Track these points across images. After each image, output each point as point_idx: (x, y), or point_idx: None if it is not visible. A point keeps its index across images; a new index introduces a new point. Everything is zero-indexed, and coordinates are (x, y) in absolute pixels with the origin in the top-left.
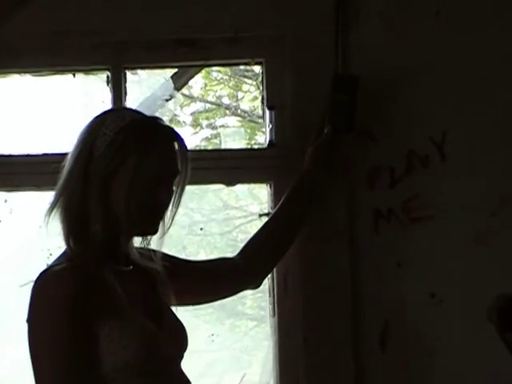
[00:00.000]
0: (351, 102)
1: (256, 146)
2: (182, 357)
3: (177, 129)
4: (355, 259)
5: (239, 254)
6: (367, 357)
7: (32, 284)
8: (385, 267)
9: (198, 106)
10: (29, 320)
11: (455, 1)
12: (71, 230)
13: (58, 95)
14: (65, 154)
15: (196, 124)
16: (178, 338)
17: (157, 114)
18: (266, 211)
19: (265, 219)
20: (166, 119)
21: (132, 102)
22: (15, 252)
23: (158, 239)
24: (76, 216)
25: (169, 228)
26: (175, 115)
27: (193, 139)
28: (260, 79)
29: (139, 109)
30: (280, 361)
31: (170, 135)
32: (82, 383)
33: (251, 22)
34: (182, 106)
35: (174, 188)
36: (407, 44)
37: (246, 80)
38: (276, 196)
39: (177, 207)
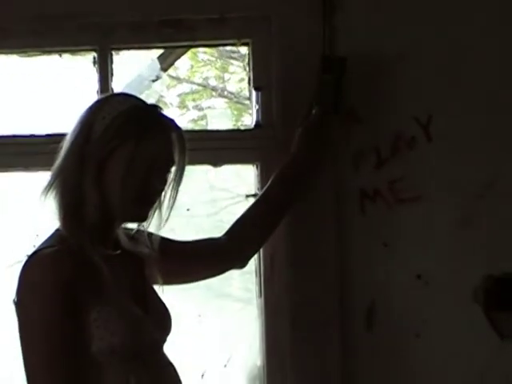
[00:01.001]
0: (339, 84)
1: (243, 128)
2: (165, 340)
3: (163, 110)
4: (342, 240)
5: (225, 234)
6: (354, 337)
7: (21, 265)
8: (371, 248)
9: (185, 87)
10: (17, 302)
11: None
12: (66, 211)
13: (44, 76)
14: (52, 136)
15: (182, 105)
16: (163, 322)
17: (143, 96)
18: (252, 192)
19: (252, 200)
20: (152, 100)
21: (118, 82)
22: (2, 233)
23: (156, 226)
24: (71, 197)
25: (167, 217)
26: (161, 96)
27: (179, 121)
28: (247, 61)
29: (126, 90)
30: (267, 342)
31: (168, 125)
32: (70, 367)
33: (237, 3)
34: (168, 88)
35: (170, 178)
36: (393, 24)
37: (232, 61)
38: (263, 177)
39: (174, 197)
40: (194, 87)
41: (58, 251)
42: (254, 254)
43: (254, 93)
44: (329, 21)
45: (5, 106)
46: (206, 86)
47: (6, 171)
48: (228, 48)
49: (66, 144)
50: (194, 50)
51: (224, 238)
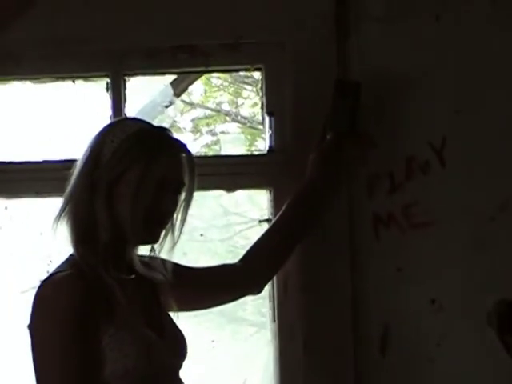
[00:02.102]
0: (353, 108)
1: (256, 153)
2: (181, 366)
3: (177, 135)
4: (355, 265)
5: (241, 260)
6: (367, 362)
7: (35, 290)
8: (385, 272)
9: (198, 112)
10: (31, 326)
11: (455, 6)
12: (78, 237)
13: (57, 102)
14: (65, 161)
15: (196, 130)
16: (178, 348)
17: (156, 121)
18: (266, 217)
19: (265, 225)
20: (165, 125)
21: (132, 108)
22: (15, 259)
23: (168, 250)
24: (83, 222)
25: (178, 240)
26: (175, 121)
27: (193, 145)
28: (260, 85)
29: (139, 115)
30: (280, 366)
31: (177, 147)
32: None
33: (251, 29)
34: (181, 113)
35: (180, 200)
36: (407, 49)
37: (245, 86)
38: (276, 202)
39: (184, 219)
40: (208, 112)
41: (71, 275)
42: (268, 281)
43: (267, 118)
44: (342, 46)
45: (18, 132)
46: (219, 111)
47: (19, 197)
48: (241, 73)
49: (76, 169)
50: (207, 75)
51: (239, 264)
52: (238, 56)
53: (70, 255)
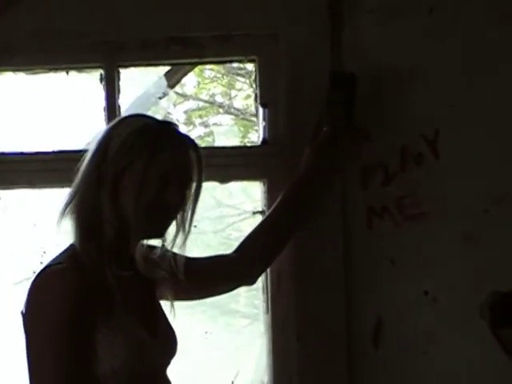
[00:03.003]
0: (348, 100)
1: (249, 144)
2: (169, 363)
3: (179, 127)
4: (349, 256)
5: (235, 251)
6: (360, 354)
7: (31, 280)
8: (378, 265)
9: (192, 104)
10: (25, 316)
11: None
12: (83, 230)
13: (51, 93)
14: (58, 152)
15: (189, 122)
16: (169, 346)
17: (150, 112)
18: (259, 209)
19: (259, 217)
20: (159, 117)
21: (125, 99)
22: (9, 250)
23: (180, 245)
24: (88, 216)
25: (188, 234)
26: (168, 113)
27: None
28: (253, 77)
29: (132, 107)
30: (273, 358)
31: (182, 140)
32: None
33: (244, 20)
34: (175, 104)
35: (189, 195)
36: (400, 41)
37: (239, 78)
38: (270, 194)
39: (192, 214)
40: (201, 104)
41: (68, 268)
42: (262, 272)
43: (260, 109)
44: (336, 37)
45: (11, 124)
46: (212, 103)
47: (12, 188)
48: (235, 65)
49: (84, 163)
50: (200, 66)
51: (233, 255)
52: (232, 47)
53: (71, 245)
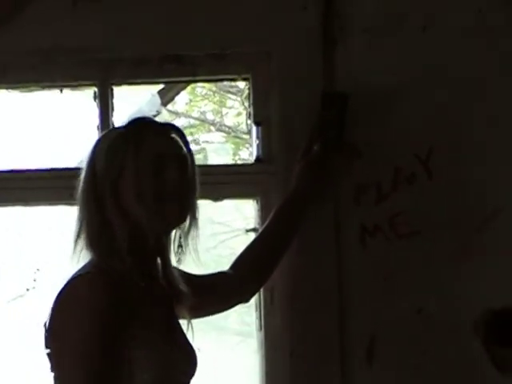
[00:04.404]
0: (340, 119)
1: (240, 162)
2: (191, 379)
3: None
4: (342, 274)
5: (231, 268)
6: (354, 371)
7: (59, 291)
8: (372, 282)
9: (183, 121)
10: (52, 329)
11: (441, 17)
12: (100, 249)
13: (45, 111)
14: (53, 170)
15: None
16: (190, 362)
17: None
18: (252, 227)
19: (252, 235)
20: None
21: (119, 117)
22: (2, 267)
23: (194, 236)
24: (101, 236)
25: (198, 215)
26: None
27: None
28: (244, 95)
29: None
30: (266, 375)
31: (162, 125)
32: None
33: (238, 39)
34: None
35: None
36: (393, 60)
37: (230, 96)
38: (262, 211)
39: (193, 195)
40: (192, 121)
41: (95, 276)
42: (257, 289)
43: (254, 127)
44: (328, 57)
45: (5, 141)
46: (203, 121)
47: (5, 205)
48: (226, 83)
49: (79, 191)
50: (192, 84)
51: (230, 271)
52: (225, 66)
53: (89, 261)
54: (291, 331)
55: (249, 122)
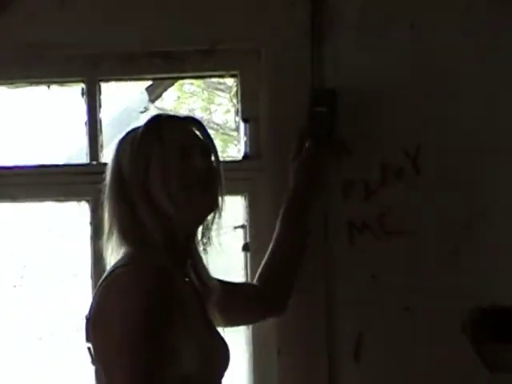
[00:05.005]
0: (329, 115)
1: (229, 159)
2: (225, 371)
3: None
4: (330, 271)
5: (257, 281)
6: (342, 368)
7: (99, 284)
8: (359, 279)
9: None
10: (98, 318)
11: (429, 14)
12: (135, 245)
13: (32, 107)
14: (40, 167)
15: None
16: (225, 356)
17: (131, 127)
18: (240, 223)
19: (239, 231)
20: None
21: (107, 114)
22: None
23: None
24: (134, 232)
25: (221, 210)
26: None
27: None
28: (233, 92)
29: (114, 121)
30: (254, 372)
31: (181, 117)
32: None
33: (226, 35)
34: None
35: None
36: (381, 57)
37: (218, 93)
38: (251, 208)
39: (219, 184)
40: None
41: (137, 267)
42: (289, 298)
43: (242, 124)
44: (318, 53)
45: None
46: None
47: None
48: (214, 79)
49: (106, 190)
50: (180, 81)
51: (258, 284)
52: (214, 62)
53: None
54: (279, 328)
55: (237, 119)
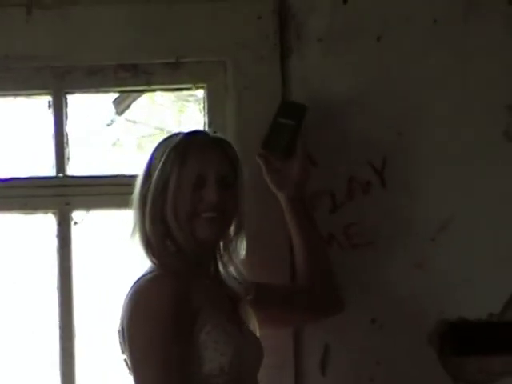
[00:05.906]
0: (294, 131)
1: None
2: (259, 367)
3: (120, 154)
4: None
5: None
6: (308, 380)
7: (127, 294)
8: None
9: (142, 130)
10: (127, 327)
11: (396, 27)
12: (153, 252)
13: None
14: (6, 180)
15: (140, 149)
16: (258, 351)
17: (99, 139)
18: None
19: None
20: (109, 144)
21: (73, 126)
22: None
23: (238, 247)
24: (151, 239)
25: (242, 234)
26: (118, 140)
27: (138, 164)
28: (203, 104)
29: (80, 134)
30: None
31: (208, 143)
32: None
33: (193, 48)
34: (125, 131)
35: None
36: (348, 69)
37: (189, 105)
38: None
39: (238, 210)
40: (151, 130)
41: (162, 275)
42: (338, 291)
43: None
44: (284, 65)
45: None
46: (162, 129)
47: None
48: (185, 92)
49: (135, 190)
50: (150, 93)
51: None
52: (181, 75)
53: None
54: None
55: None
